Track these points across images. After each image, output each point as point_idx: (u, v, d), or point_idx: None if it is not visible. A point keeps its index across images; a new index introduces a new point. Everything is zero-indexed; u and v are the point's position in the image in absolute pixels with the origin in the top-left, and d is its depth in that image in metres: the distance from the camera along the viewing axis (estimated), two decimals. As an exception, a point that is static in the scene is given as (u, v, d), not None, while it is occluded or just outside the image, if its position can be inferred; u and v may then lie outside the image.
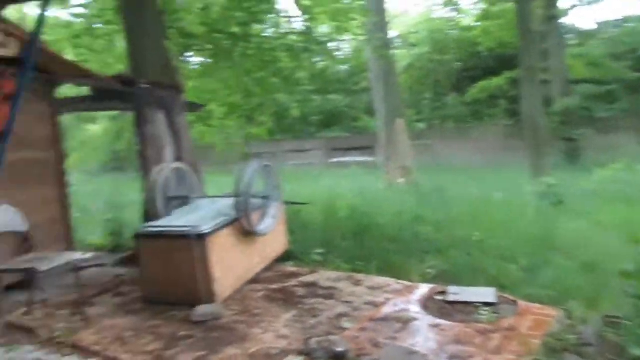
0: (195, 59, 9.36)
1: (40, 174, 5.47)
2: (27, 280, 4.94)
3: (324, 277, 4.88)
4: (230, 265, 4.37)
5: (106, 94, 6.26)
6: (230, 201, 4.61)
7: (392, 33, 17.06)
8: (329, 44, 10.24)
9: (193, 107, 8.09)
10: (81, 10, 8.58)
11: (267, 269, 5.13)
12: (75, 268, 5.97)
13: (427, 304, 4.00)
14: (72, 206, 6.14)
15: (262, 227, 4.80)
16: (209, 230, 4.11)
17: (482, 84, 17.88)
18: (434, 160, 15.97)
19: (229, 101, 8.99)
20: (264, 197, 4.90)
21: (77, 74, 5.77)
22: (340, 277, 4.86)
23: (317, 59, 9.76)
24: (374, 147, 15.72)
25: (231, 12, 8.40)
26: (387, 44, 13.02)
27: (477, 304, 3.83)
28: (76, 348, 3.41)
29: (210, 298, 4.10)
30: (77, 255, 4.06)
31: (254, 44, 8.58)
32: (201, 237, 4.05)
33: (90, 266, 5.89)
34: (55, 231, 5.62)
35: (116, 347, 3.41)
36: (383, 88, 13.20)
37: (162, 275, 4.25)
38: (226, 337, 3.53)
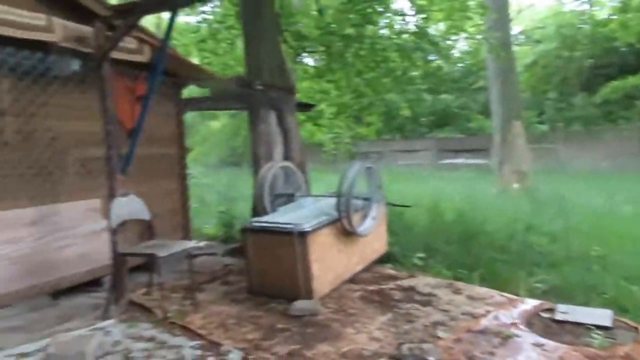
0: (308, 61, 9.64)
1: (165, 168, 6.01)
2: (148, 264, 5.48)
3: (422, 282, 4.79)
4: (330, 263, 4.46)
5: (225, 94, 6.70)
6: (332, 201, 4.70)
7: (515, 29, 16.14)
8: (444, 43, 9.97)
9: (304, 107, 8.37)
10: (206, 17, 9.25)
11: (366, 269, 5.16)
12: (190, 255, 6.51)
13: (532, 320, 3.76)
14: (190, 197, 6.66)
15: (362, 228, 4.84)
16: (310, 229, 4.23)
17: (617, 82, 16.24)
18: (557, 164, 14.85)
19: (339, 101, 9.15)
20: (366, 199, 4.93)
21: (201, 76, 6.25)
22: (439, 283, 4.74)
23: (431, 58, 9.55)
24: (487, 150, 15.01)
25: (345, 14, 8.54)
26: (506, 43, 12.35)
27: (589, 326, 3.52)
28: (185, 330, 3.71)
29: (308, 294, 4.23)
30: (192, 244, 4.39)
31: (367, 44, 8.64)
32: (302, 235, 4.18)
33: (203, 254, 6.37)
34: (175, 220, 6.15)
35: (220, 332, 3.65)
36: (501, 87, 12.55)
37: (265, 269, 4.46)
38: (320, 333, 3.62)
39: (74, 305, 4.52)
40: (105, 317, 4.01)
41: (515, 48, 14.36)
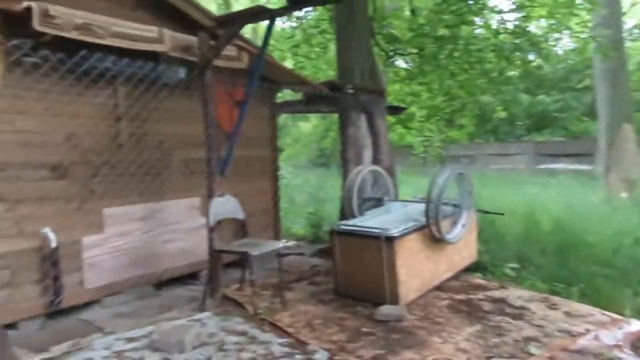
0: (400, 63, 9.57)
1: (259, 169, 6.27)
2: (241, 261, 5.75)
3: (514, 294, 4.60)
4: (416, 270, 4.43)
5: (316, 97, 6.86)
6: (421, 206, 4.65)
7: (628, 23, 14.90)
8: (545, 42, 9.46)
9: (394, 110, 8.33)
10: (300, 23, 9.51)
11: (454, 278, 5.05)
12: (279, 254, 6.74)
13: (638, 344, 3.48)
14: (281, 198, 6.89)
15: (451, 235, 4.75)
16: (398, 234, 4.23)
17: None
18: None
19: (430, 104, 9.00)
20: (456, 205, 4.83)
21: (294, 81, 6.45)
22: (533, 296, 4.53)
23: (531, 57, 9.09)
24: (591, 154, 13.97)
25: (439, 14, 8.39)
26: (617, 39, 11.44)
27: None
28: (274, 327, 3.87)
29: (394, 299, 4.23)
30: (281, 244, 4.55)
31: (461, 45, 8.43)
32: (390, 240, 4.19)
33: (292, 254, 6.56)
34: (266, 220, 6.40)
35: (306, 332, 3.76)
36: (609, 87, 11.68)
37: (351, 272, 4.53)
38: (406, 340, 3.61)
39: (173, 296, 4.87)
40: (201, 309, 4.29)
41: (628, 44, 13.24)
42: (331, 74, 8.43)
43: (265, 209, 6.42)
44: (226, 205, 4.56)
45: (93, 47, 4.15)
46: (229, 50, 5.24)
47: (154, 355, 3.26)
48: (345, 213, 5.17)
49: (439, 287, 4.76)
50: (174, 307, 4.48)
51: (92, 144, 4.41)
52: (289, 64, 9.24)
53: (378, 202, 5.28)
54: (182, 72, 4.92)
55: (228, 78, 5.59)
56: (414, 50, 8.60)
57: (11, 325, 3.90)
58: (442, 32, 8.26)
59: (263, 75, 6.03)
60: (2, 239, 3.83)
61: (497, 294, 4.63)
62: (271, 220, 6.51)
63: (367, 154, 6.61)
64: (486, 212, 6.35)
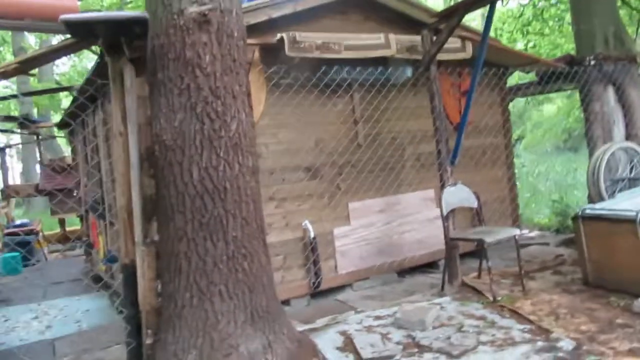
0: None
1: (491, 157, 6.17)
2: (478, 250, 5.77)
3: None
4: (687, 258, 3.81)
5: (551, 76, 6.38)
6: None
7: None
8: None
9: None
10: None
11: None
12: (520, 244, 6.49)
13: None
14: (520, 186, 6.63)
15: None
16: (658, 216, 3.72)
17: None
18: None
19: None
20: None
21: (522, 62, 6.16)
22: None
23: None
24: None
25: None
26: None
27: None
28: (514, 314, 3.82)
29: (658, 290, 3.73)
30: (518, 232, 4.43)
31: None
32: (647, 224, 3.72)
33: (534, 244, 6.25)
34: (503, 208, 6.25)
35: (550, 320, 3.62)
36: None
37: (602, 260, 4.15)
38: (674, 336, 3.18)
39: (415, 282, 5.18)
40: (441, 294, 4.49)
41: None
42: (570, 48, 7.67)
43: (501, 197, 6.28)
44: (459, 194, 4.67)
45: (331, 62, 4.76)
46: (453, 43, 5.32)
47: (399, 332, 3.60)
48: (592, 197, 4.73)
49: None
50: (416, 292, 4.78)
51: (336, 146, 5.04)
52: (520, 44, 8.75)
53: (634, 183, 4.68)
54: (408, 71, 5.22)
55: (454, 69, 5.70)
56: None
57: (285, 302, 4.75)
58: None
59: (488, 60, 5.93)
60: (274, 231, 4.70)
61: None
62: (508, 208, 6.33)
63: (619, 131, 5.89)
64: None
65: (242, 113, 3.07)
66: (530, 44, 8.79)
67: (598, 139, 5.89)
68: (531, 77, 7.25)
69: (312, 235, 4.79)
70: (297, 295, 4.79)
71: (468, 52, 5.42)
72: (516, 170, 6.85)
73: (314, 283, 4.83)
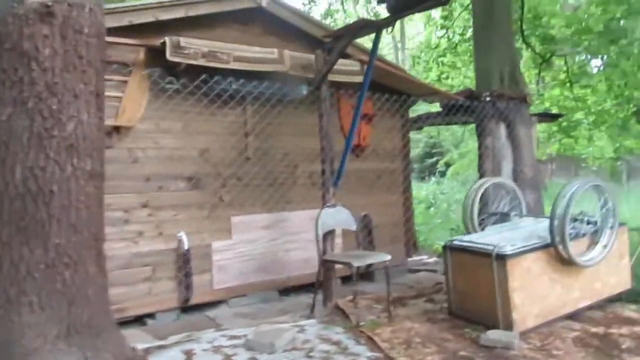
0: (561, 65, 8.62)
1: (387, 182, 6.24)
2: (367, 273, 5.81)
3: (671, 333, 3.79)
4: (538, 294, 3.94)
5: (454, 108, 6.57)
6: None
7: None
8: None
9: (549, 117, 7.56)
10: (446, 31, 9.22)
11: (596, 307, 4.36)
12: (412, 269, 6.58)
13: None
14: (434, 212, 6.75)
15: (586, 257, 4.12)
16: (512, 252, 3.83)
17: None
18: None
19: (599, 109, 7.90)
20: (591, 223, 4.18)
21: (424, 91, 6.31)
22: (698, 339, 3.67)
23: None
24: None
25: (606, 5, 7.38)
26: None
27: None
28: (370, 340, 3.80)
29: (507, 325, 3.83)
30: (389, 257, 4.44)
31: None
32: (502, 258, 3.81)
33: (424, 270, 6.36)
34: (395, 233, 6.33)
35: (400, 349, 3.62)
36: None
37: (464, 291, 4.23)
38: (507, 370, 3.25)
39: (295, 302, 5.11)
40: (310, 316, 4.43)
41: None
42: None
43: (395, 222, 6.36)
44: (337, 216, 4.65)
45: (225, 73, 4.64)
46: (352, 65, 5.39)
47: (246, 354, 3.48)
48: (467, 229, 4.85)
49: (573, 317, 4.16)
50: (291, 312, 4.70)
51: (222, 158, 4.92)
52: (434, 73, 9.02)
53: (504, 218, 4.84)
54: (304, 89, 5.20)
55: (355, 92, 5.73)
56: (578, 49, 7.67)
57: (150, 315, 4.54)
58: (612, 24, 7.20)
59: (390, 88, 6.04)
60: (145, 240, 4.50)
61: (646, 330, 3.87)
62: (401, 233, 6.41)
63: (507, 166, 6.13)
64: (655, 234, 5.39)
65: (84, 114, 2.90)
66: (444, 75, 9.10)
67: (488, 172, 6.10)
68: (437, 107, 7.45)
69: (185, 247, 4.62)
70: (165, 308, 4.59)
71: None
72: (432, 197, 6.93)
73: (184, 297, 4.65)
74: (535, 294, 3.93)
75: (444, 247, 4.42)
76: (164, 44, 4.22)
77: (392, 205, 6.34)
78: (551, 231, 3.94)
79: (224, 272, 4.93)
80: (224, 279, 4.93)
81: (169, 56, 4.18)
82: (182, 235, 4.65)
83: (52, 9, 2.77)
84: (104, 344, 2.90)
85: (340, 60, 5.05)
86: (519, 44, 7.99)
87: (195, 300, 4.74)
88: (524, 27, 7.21)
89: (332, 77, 5.02)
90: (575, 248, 4.15)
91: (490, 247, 3.93)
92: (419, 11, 4.40)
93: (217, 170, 4.89)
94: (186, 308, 4.74)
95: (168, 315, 4.60)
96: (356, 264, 4.19)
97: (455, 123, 7.32)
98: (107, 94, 4.04)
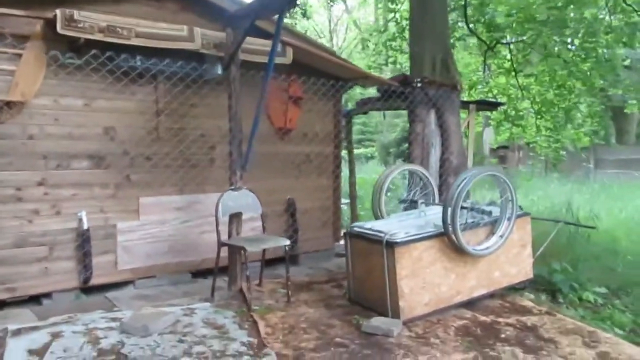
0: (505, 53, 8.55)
1: (317, 166, 6.16)
2: (292, 257, 5.77)
3: (555, 324, 3.80)
4: (428, 282, 3.92)
5: (392, 93, 6.48)
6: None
7: None
8: None
9: (490, 105, 7.51)
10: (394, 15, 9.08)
11: (495, 296, 4.37)
12: (339, 254, 6.52)
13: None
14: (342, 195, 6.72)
15: (482, 247, 4.10)
16: (402, 240, 3.79)
17: None
18: None
19: (542, 98, 7.86)
20: (485, 212, 4.15)
21: (355, 75, 6.20)
22: (577, 329, 3.70)
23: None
24: None
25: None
26: None
27: None
28: (254, 325, 3.75)
29: (395, 312, 3.81)
30: (287, 242, 4.38)
31: (579, 29, 7.21)
32: (390, 245, 3.78)
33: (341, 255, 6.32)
34: (323, 217, 6.27)
35: (280, 334, 3.58)
36: None
37: (362, 277, 4.20)
38: (375, 358, 3.22)
39: (204, 285, 5.00)
40: (206, 299, 4.37)
41: None
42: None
43: (323, 207, 6.30)
44: (240, 200, 4.57)
45: (132, 49, 4.47)
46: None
47: (118, 337, 3.41)
48: (375, 215, 4.80)
49: (468, 305, 4.16)
50: (194, 295, 4.64)
51: (130, 136, 4.79)
52: (383, 58, 8.90)
53: (413, 205, 4.80)
54: (219, 69, 5.05)
55: (282, 74, 5.59)
56: (521, 38, 7.59)
57: (47, 295, 4.44)
58: (554, 13, 7.10)
59: (322, 71, 5.93)
60: (41, 219, 4.37)
61: (533, 320, 3.89)
62: (329, 217, 6.36)
63: (435, 153, 6.07)
64: (571, 224, 5.41)
65: None
66: (391, 59, 8.99)
67: (417, 159, 6.03)
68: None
69: (85, 226, 4.51)
70: (62, 288, 4.49)
71: (288, 58, 5.34)
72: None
73: (84, 277, 4.55)
74: (425, 282, 3.91)
75: (344, 234, 4.37)
76: (55, 16, 4.04)
77: (321, 190, 6.27)
78: (444, 219, 3.90)
79: (130, 253, 4.83)
80: (130, 259, 4.83)
81: (59, 29, 4.00)
82: (82, 214, 4.53)
83: None
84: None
85: (260, 41, 4.93)
86: (463, 30, 7.94)
87: (99, 280, 4.65)
88: (467, 13, 7.10)
89: (250, 58, 4.89)
90: (474, 237, 4.14)
91: (381, 234, 3.89)
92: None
93: (124, 148, 4.76)
94: (88, 289, 4.65)
95: (66, 296, 4.51)
96: (250, 248, 4.13)
97: (395, 108, 7.22)
98: (-3, 67, 3.94)
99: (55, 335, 3.38)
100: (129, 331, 3.47)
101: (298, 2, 4.32)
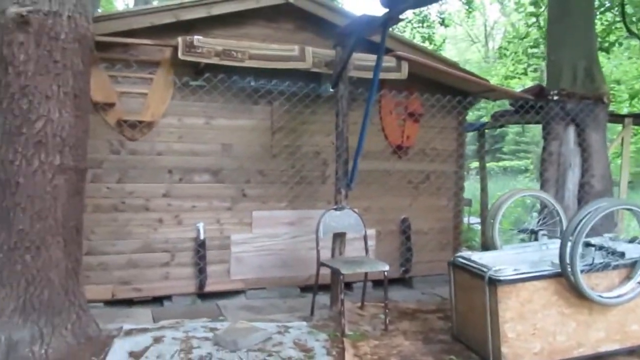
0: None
1: (435, 184, 5.83)
2: (405, 280, 5.61)
3: None
4: (541, 329, 3.42)
5: (527, 107, 5.89)
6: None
7: None
8: None
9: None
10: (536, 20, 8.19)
11: (636, 353, 3.66)
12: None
13: None
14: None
15: (612, 293, 3.46)
16: (507, 278, 3.36)
17: None
18: None
19: None
20: (616, 253, 3.48)
21: (481, 89, 5.75)
22: None
23: None
24: None
25: None
26: None
27: None
28: (340, 353, 3.63)
29: (497, 358, 3.39)
30: (387, 267, 4.16)
31: None
32: (493, 282, 3.38)
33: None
34: (442, 239, 5.91)
35: (363, 366, 3.43)
36: None
37: (465, 313, 3.83)
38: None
39: (310, 301, 5.05)
40: (306, 318, 4.37)
41: None
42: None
43: (442, 228, 5.94)
44: (343, 220, 4.50)
45: (247, 70, 4.71)
46: (388, 62, 5.10)
47: (210, 348, 3.56)
48: (486, 245, 4.36)
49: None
50: (297, 311, 4.69)
51: (246, 153, 5.03)
52: (524, 65, 8.11)
53: (534, 237, 4.25)
54: (329, 87, 5.04)
55: (399, 89, 5.42)
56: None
57: (167, 298, 4.86)
58: None
59: (445, 85, 5.62)
60: (163, 227, 4.80)
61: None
62: (449, 240, 5.97)
63: (573, 176, 5.35)
64: None
65: (56, 113, 3.19)
66: (532, 67, 8.07)
67: (549, 181, 5.37)
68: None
69: (202, 236, 4.84)
70: (180, 292, 4.87)
71: (404, 73, 5.18)
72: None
73: (200, 284, 4.89)
74: (536, 328, 3.43)
75: (449, 264, 4.04)
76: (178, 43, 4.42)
77: (439, 210, 5.92)
78: (561, 258, 3.37)
79: (243, 264, 5.08)
80: (242, 270, 5.09)
81: (180, 55, 4.37)
82: (200, 225, 4.87)
83: (27, 18, 3.08)
84: (63, 321, 3.20)
85: (373, 57, 4.83)
86: (622, 32, 6.80)
87: (212, 288, 4.96)
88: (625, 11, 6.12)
89: (363, 75, 4.83)
90: (604, 281, 3.54)
91: (485, 269, 3.50)
92: (416, 6, 4.01)
93: (240, 164, 5.02)
94: (203, 295, 4.98)
95: (184, 300, 4.89)
96: (345, 271, 4.02)
97: (534, 123, 6.54)
98: (133, 90, 4.45)
99: (157, 340, 3.65)
100: (220, 344, 3.60)
101: (401, 17, 4.12)
